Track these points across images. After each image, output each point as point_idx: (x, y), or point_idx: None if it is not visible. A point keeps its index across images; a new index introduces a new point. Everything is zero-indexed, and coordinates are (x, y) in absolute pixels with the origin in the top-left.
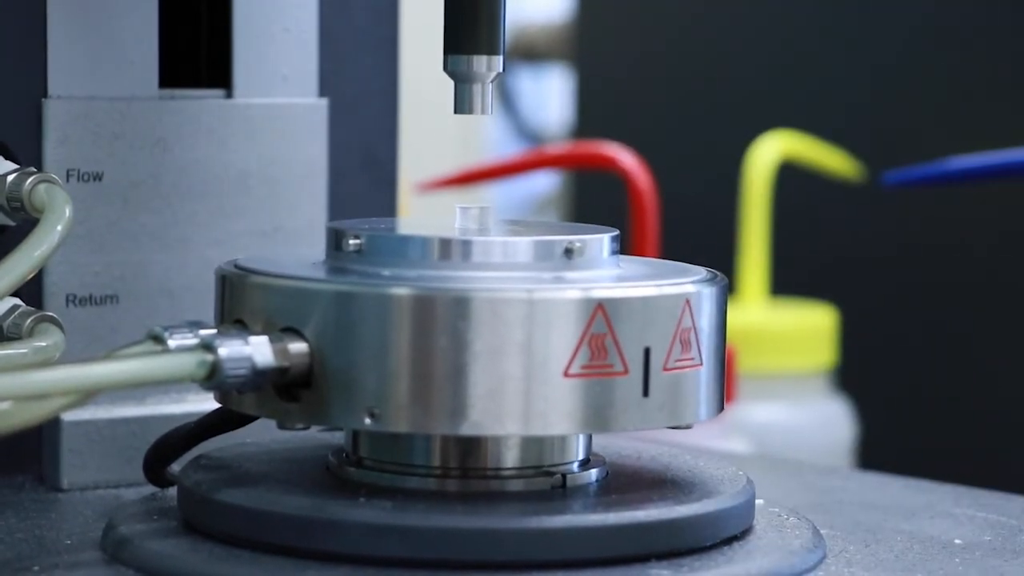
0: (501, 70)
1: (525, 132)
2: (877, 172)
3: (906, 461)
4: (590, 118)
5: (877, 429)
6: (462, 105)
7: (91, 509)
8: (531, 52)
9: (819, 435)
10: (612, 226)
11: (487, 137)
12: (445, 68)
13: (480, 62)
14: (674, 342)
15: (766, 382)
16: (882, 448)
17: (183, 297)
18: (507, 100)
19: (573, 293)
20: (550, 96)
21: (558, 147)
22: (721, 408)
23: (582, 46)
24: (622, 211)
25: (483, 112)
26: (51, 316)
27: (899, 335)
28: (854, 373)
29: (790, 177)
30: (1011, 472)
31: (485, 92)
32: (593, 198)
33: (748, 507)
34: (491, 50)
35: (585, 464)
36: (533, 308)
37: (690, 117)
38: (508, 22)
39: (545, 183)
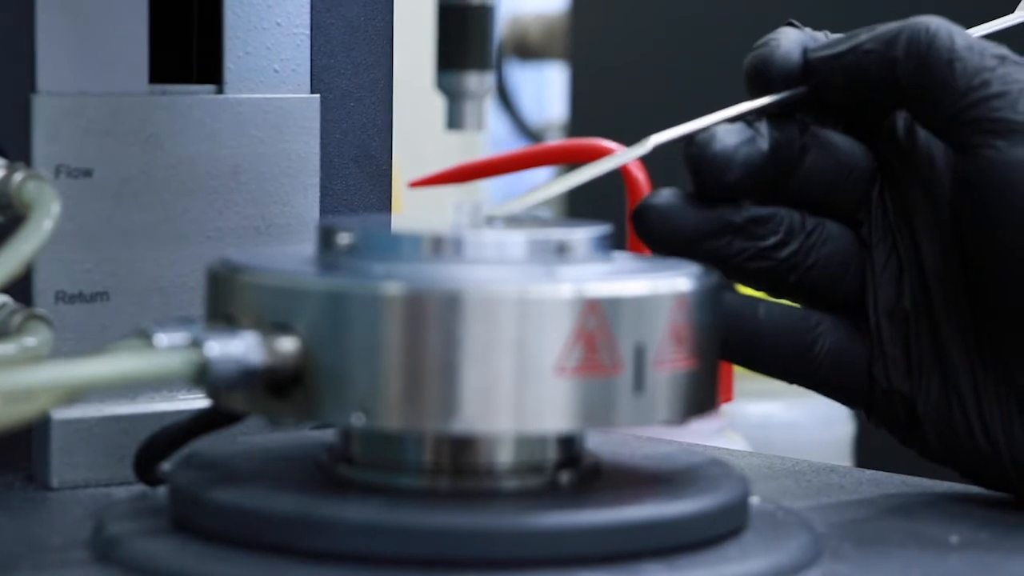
0: (493, 86)
1: (523, 129)
2: None
3: (903, 459)
4: (585, 114)
5: (875, 428)
6: (454, 121)
7: (81, 508)
8: (528, 49)
9: (816, 432)
10: (608, 222)
11: (484, 133)
12: (437, 84)
13: (471, 78)
14: (667, 339)
15: (763, 379)
16: (879, 445)
17: (174, 294)
18: (505, 97)
19: (565, 290)
20: (546, 93)
21: (554, 142)
22: (715, 405)
23: (577, 42)
24: (618, 207)
25: (476, 128)
26: (40, 314)
27: None
28: None
29: None
30: None
31: (475, 108)
32: (589, 194)
33: (743, 505)
34: (482, 66)
35: (578, 462)
36: (525, 305)
37: (687, 113)
38: (507, 18)
39: (541, 179)
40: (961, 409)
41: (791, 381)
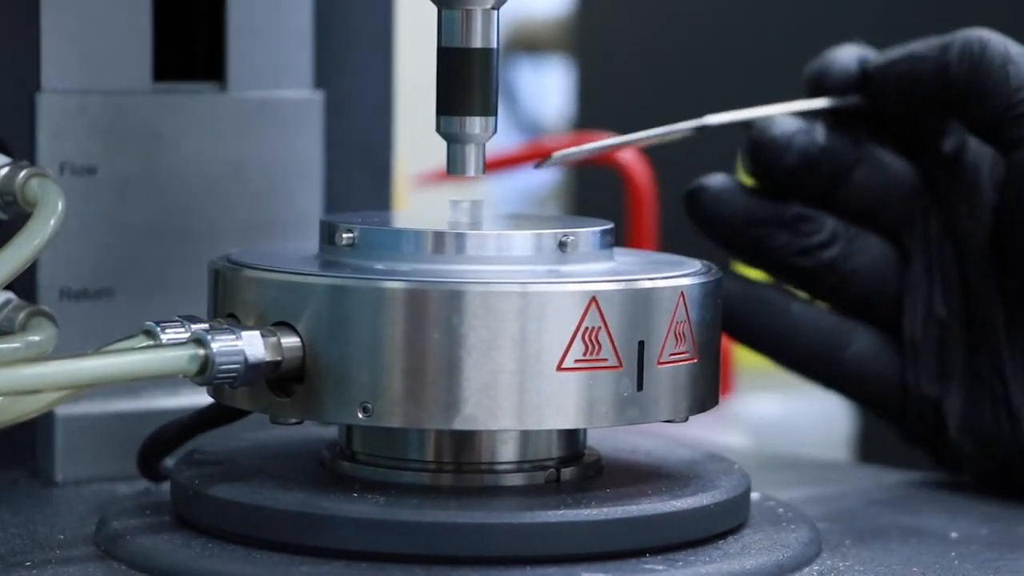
0: (495, 131)
1: (525, 124)
2: None
3: (904, 455)
4: (590, 110)
5: (875, 422)
6: (454, 166)
7: (84, 504)
8: (531, 44)
9: (817, 428)
10: (611, 219)
11: None
12: (438, 129)
13: (473, 123)
14: (668, 335)
15: (764, 375)
16: (880, 441)
17: (177, 291)
18: (507, 92)
19: (567, 286)
20: (550, 88)
21: (556, 140)
22: (715, 402)
23: (582, 39)
24: (620, 205)
25: (475, 174)
26: (44, 310)
27: None
28: None
29: None
30: None
31: (478, 153)
32: (593, 191)
33: (744, 501)
34: (485, 111)
35: (579, 458)
36: (527, 301)
37: (689, 110)
38: (509, 14)
39: (545, 176)
40: (992, 412)
41: (821, 382)
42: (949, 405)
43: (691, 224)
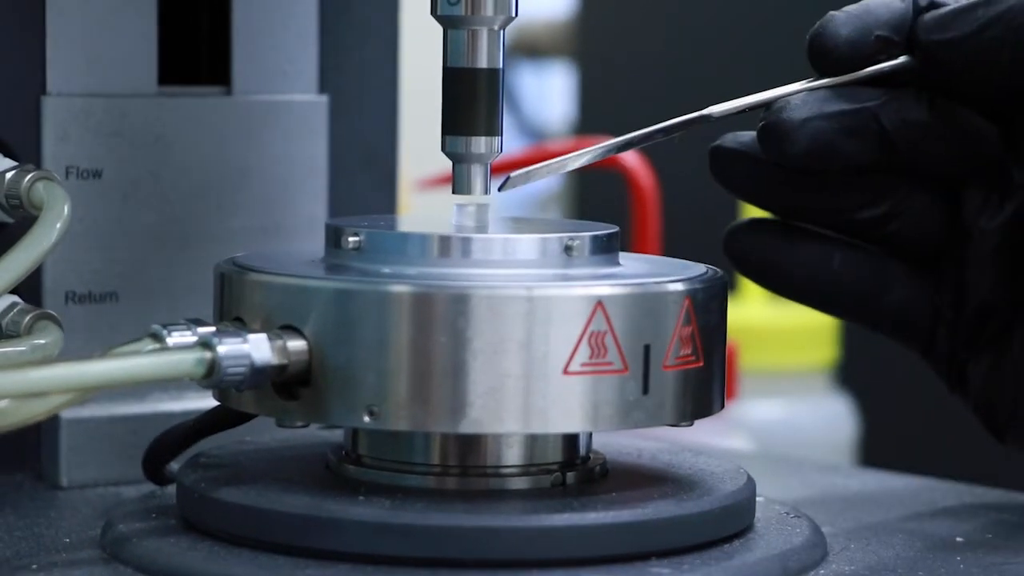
0: (501, 150)
1: (527, 128)
2: None
3: (908, 458)
4: (592, 114)
5: (879, 426)
6: (460, 186)
7: (90, 507)
8: (533, 49)
9: (820, 432)
10: (615, 223)
11: None
12: (443, 148)
13: (479, 143)
14: (674, 339)
15: (768, 379)
16: (883, 445)
17: (183, 295)
18: (509, 97)
19: (573, 290)
20: (552, 92)
21: (559, 143)
22: (721, 406)
23: (584, 43)
24: (625, 208)
25: (482, 193)
26: (50, 314)
27: None
28: (856, 370)
29: None
30: (1013, 469)
31: (484, 172)
32: (596, 195)
33: (749, 505)
34: (490, 131)
35: (585, 462)
36: (533, 305)
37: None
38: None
39: (547, 180)
40: (1014, 393)
41: (858, 325)
42: (973, 372)
43: (715, 182)
